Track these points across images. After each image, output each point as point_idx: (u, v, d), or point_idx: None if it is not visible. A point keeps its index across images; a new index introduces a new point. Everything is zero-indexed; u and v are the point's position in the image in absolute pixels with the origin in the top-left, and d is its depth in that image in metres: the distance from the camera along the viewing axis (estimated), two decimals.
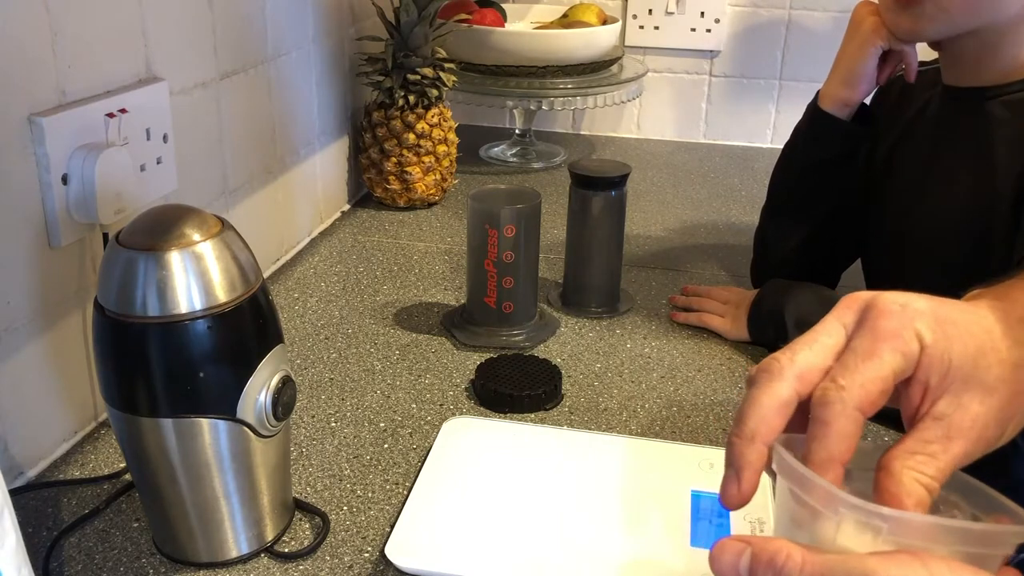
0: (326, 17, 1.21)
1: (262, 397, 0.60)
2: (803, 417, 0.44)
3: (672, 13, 1.66)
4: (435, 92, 1.28)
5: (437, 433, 0.77)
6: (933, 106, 0.91)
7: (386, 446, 0.78)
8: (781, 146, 1.02)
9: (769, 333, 0.93)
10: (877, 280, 0.99)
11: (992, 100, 0.84)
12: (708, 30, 1.66)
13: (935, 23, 0.82)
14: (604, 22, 1.56)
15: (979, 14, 0.81)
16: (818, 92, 0.95)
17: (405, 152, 1.27)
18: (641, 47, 1.69)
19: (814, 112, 0.94)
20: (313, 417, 0.81)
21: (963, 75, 0.87)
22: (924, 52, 0.89)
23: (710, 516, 0.67)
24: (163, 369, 0.57)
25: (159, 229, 0.57)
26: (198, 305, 0.56)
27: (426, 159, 1.28)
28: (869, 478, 0.43)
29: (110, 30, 0.77)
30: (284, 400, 0.61)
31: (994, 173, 0.82)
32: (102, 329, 0.57)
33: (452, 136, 1.33)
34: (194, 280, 0.56)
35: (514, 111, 1.62)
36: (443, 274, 1.12)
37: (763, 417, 0.43)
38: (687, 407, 0.85)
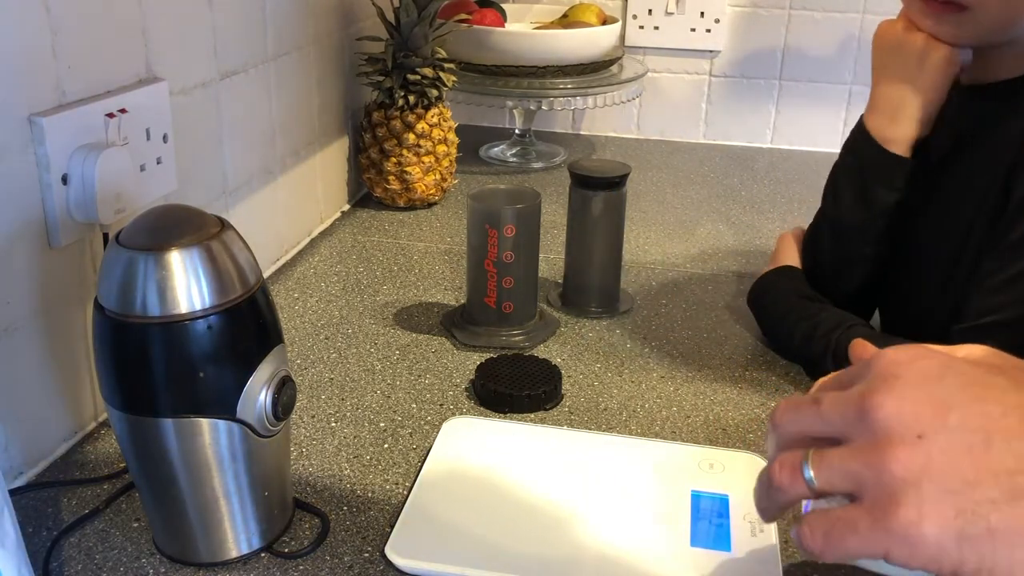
0: (326, 17, 1.21)
1: (262, 397, 0.60)
2: None
3: (672, 13, 1.66)
4: (435, 92, 1.28)
5: (437, 433, 0.77)
6: (950, 110, 0.88)
7: (386, 446, 0.78)
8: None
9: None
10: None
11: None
12: (708, 30, 1.66)
13: (975, 31, 0.81)
14: (604, 22, 1.56)
15: (1015, 27, 0.80)
16: (869, 135, 0.89)
17: (405, 152, 1.27)
18: (641, 47, 1.69)
19: (885, 158, 0.88)
20: (313, 417, 0.82)
21: (986, 72, 0.85)
22: None
23: (710, 516, 0.67)
24: (163, 369, 0.57)
25: (159, 229, 0.57)
26: (198, 305, 0.56)
27: (426, 159, 1.28)
28: None
29: (110, 30, 0.77)
30: (284, 400, 0.61)
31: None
32: (102, 329, 0.57)
33: (452, 136, 1.33)
34: (194, 280, 0.56)
35: (514, 111, 1.62)
36: (443, 274, 1.12)
37: None
38: (687, 407, 0.85)
